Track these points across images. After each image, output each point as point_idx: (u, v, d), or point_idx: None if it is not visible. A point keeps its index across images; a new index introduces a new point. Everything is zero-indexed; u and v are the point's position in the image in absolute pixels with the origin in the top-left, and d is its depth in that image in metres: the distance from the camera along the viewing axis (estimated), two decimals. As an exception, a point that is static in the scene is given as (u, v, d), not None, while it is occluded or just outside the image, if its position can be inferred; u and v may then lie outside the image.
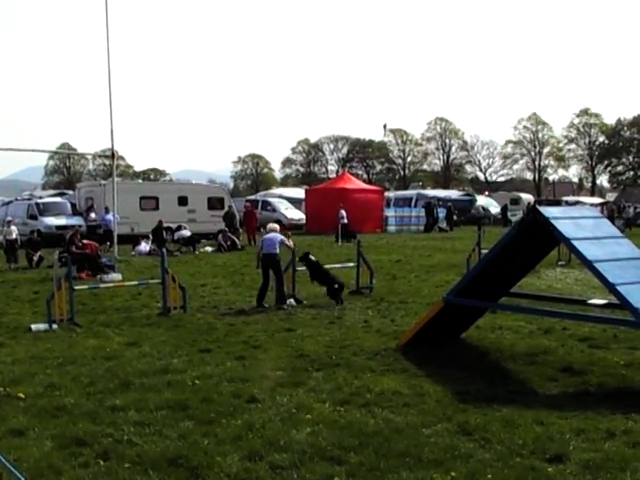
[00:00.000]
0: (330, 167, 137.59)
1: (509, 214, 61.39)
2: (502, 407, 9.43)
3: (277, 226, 19.39)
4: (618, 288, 10.57)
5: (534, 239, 12.21)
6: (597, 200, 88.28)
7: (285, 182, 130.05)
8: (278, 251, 18.12)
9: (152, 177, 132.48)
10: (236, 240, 37.60)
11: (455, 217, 59.67)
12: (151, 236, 36.07)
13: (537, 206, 11.56)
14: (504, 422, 8.83)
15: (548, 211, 11.60)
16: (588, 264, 11.02)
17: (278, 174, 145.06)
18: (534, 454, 7.85)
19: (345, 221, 43.98)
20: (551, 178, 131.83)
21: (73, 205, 43.16)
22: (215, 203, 44.71)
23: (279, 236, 18.44)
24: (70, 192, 56.03)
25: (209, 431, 8.59)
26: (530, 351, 12.81)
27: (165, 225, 37.41)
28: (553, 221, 11.32)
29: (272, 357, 12.41)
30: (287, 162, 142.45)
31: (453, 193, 76.32)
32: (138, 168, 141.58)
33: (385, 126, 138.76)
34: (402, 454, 7.80)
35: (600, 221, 12.48)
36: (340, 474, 7.30)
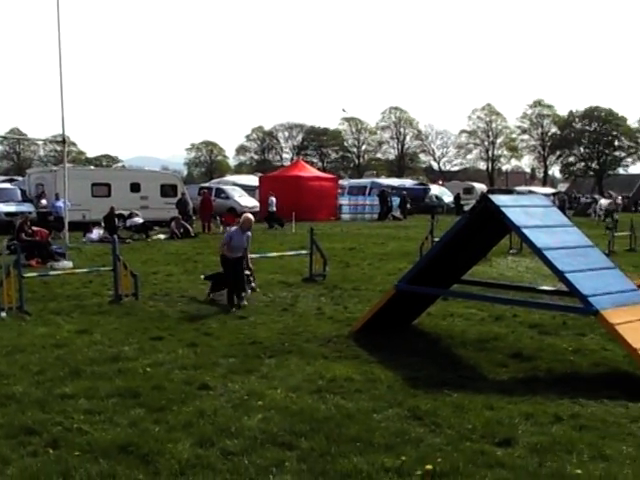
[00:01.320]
0: (285, 155, 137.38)
1: (462, 203, 61.83)
2: (452, 392, 9.52)
3: (252, 218, 17.20)
4: (567, 276, 10.72)
5: (485, 227, 12.32)
6: (549, 190, 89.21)
7: (239, 170, 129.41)
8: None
9: (104, 163, 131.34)
10: (189, 227, 37.44)
11: (409, 206, 59.97)
12: (103, 223, 35.78)
13: (488, 194, 11.63)
14: (454, 407, 8.92)
15: (499, 199, 11.70)
16: (538, 252, 11.15)
17: (232, 161, 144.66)
18: (484, 438, 7.94)
19: (274, 208, 44.23)
20: (504, 168, 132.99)
21: (23, 192, 42.54)
22: (168, 190, 44.37)
23: (249, 236, 16.87)
24: (20, 178, 55.32)
25: (160, 418, 8.56)
26: (481, 337, 12.95)
27: (117, 212, 37.07)
28: (504, 209, 11.43)
29: (224, 344, 12.39)
30: (241, 150, 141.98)
31: (407, 182, 76.79)
32: (90, 154, 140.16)
33: (344, 110, 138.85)
34: (353, 439, 7.84)
35: (550, 210, 12.62)
36: (291, 459, 7.32)
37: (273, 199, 44.42)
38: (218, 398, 9.37)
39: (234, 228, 17.19)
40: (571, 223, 12.83)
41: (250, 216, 17.07)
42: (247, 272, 17.24)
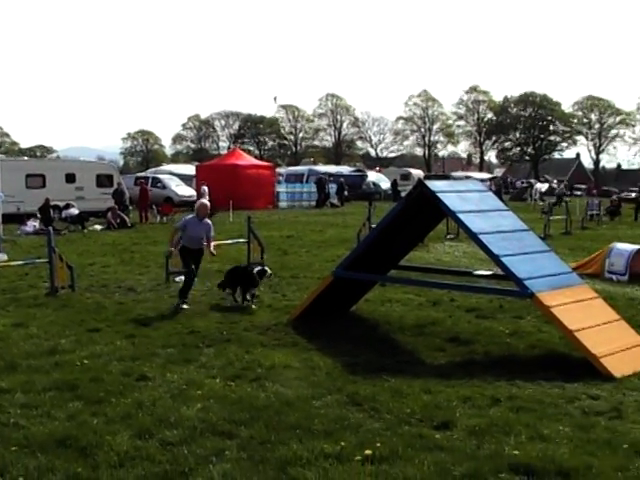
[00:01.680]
0: (222, 143, 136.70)
1: (399, 189, 62.08)
2: (391, 377, 9.59)
3: (208, 204, 15.77)
4: (502, 259, 10.86)
5: (421, 213, 12.41)
6: (485, 175, 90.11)
7: (176, 159, 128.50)
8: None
9: (38, 154, 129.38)
10: (125, 218, 37.07)
11: (346, 193, 60.02)
12: (38, 215, 35.27)
13: (424, 180, 11.71)
14: (393, 392, 8.99)
15: (435, 185, 11.78)
16: (473, 236, 11.27)
17: (169, 150, 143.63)
18: (422, 422, 8.02)
19: (207, 197, 44.17)
20: (441, 154, 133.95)
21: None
22: (104, 180, 43.79)
23: (209, 224, 15.41)
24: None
25: (98, 410, 8.48)
26: (419, 322, 13.06)
27: (52, 203, 36.55)
28: (439, 195, 11.52)
29: (162, 335, 12.31)
30: (178, 138, 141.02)
31: (344, 169, 76.81)
32: (24, 145, 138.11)
33: (275, 98, 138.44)
34: (292, 426, 7.86)
35: (485, 195, 12.75)
36: (231, 448, 7.32)
37: (205, 188, 44.16)
38: (157, 389, 9.32)
39: (190, 216, 15.45)
40: (506, 207, 12.99)
41: (205, 202, 15.77)
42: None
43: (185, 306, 14.61)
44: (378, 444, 7.30)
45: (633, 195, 69.72)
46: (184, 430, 7.79)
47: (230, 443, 7.46)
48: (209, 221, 15.46)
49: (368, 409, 8.44)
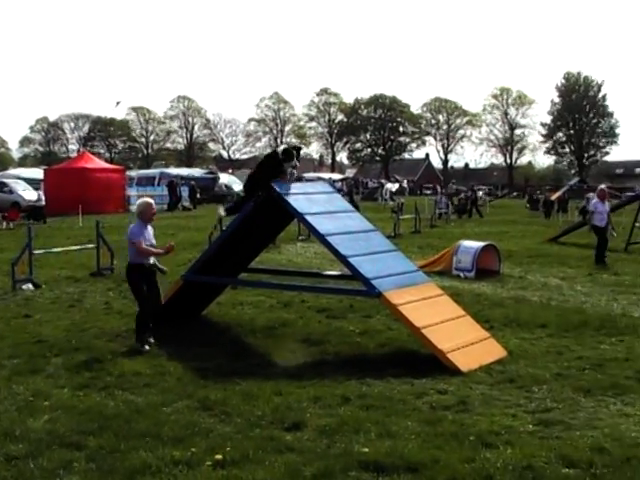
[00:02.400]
0: (71, 146, 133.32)
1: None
2: (242, 381, 9.58)
3: (153, 202, 12.77)
4: (350, 260, 11.01)
5: (270, 215, 12.44)
6: (337, 176, 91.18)
7: (23, 162, 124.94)
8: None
9: None
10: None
11: (198, 195, 59.73)
12: None
13: (271, 183, 11.73)
14: (244, 395, 8.99)
15: (281, 187, 11.83)
16: (321, 238, 11.39)
17: (16, 154, 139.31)
18: (273, 424, 8.05)
19: (42, 202, 43.54)
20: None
21: None
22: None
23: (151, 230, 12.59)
24: None
25: (-62, 426, 8.17)
26: (270, 324, 13.11)
27: None
28: (286, 197, 11.59)
29: (8, 345, 11.92)
30: (25, 141, 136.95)
31: (196, 171, 76.46)
32: None
33: (118, 103, 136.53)
34: (142, 434, 7.75)
35: (333, 196, 12.91)
36: (79, 459, 7.16)
37: (40, 193, 43.26)
38: (2, 402, 9.03)
39: (132, 225, 12.44)
40: (353, 208, 13.19)
41: (150, 200, 12.79)
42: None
43: (147, 347, 11.60)
44: (229, 448, 7.28)
45: (480, 193, 72.02)
46: (30, 443, 7.57)
47: (78, 454, 7.29)
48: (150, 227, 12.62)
49: (219, 413, 8.42)
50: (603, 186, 25.97)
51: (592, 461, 6.98)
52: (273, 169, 12.02)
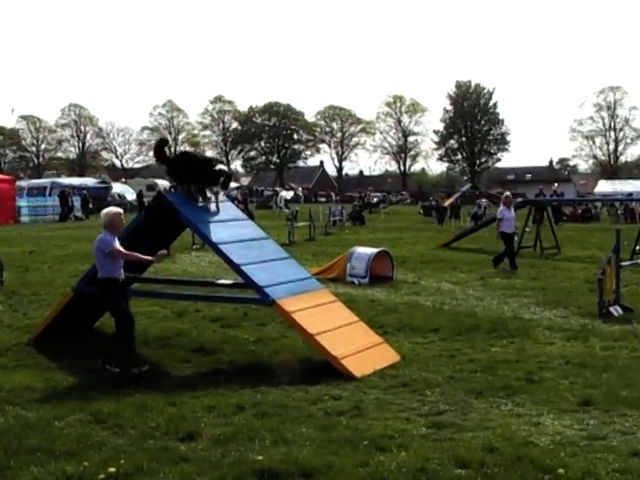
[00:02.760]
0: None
1: (144, 200, 61.51)
2: (135, 392, 9.48)
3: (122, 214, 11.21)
4: (243, 268, 11.03)
5: (163, 223, 12.34)
6: (232, 184, 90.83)
7: None
8: None
9: None
10: None
11: (91, 205, 58.75)
12: None
13: (163, 192, 11.69)
14: (137, 407, 8.90)
15: (173, 196, 11.78)
16: (213, 246, 11.40)
17: None
18: (167, 435, 8.00)
19: None
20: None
21: None
22: None
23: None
24: None
25: None
26: (163, 335, 13.02)
27: None
28: (178, 206, 11.53)
29: None
30: None
31: (89, 181, 75.25)
32: None
33: (13, 110, 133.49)
34: (33, 449, 7.60)
35: (226, 205, 12.87)
36: (-34, 479, 7.00)
37: None
38: None
39: (100, 235, 10.94)
40: (246, 217, 13.20)
41: (119, 210, 11.32)
42: None
43: (136, 370, 10.58)
44: (122, 461, 7.19)
45: (374, 200, 73.03)
46: None
47: (-34, 474, 7.13)
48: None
49: (112, 426, 8.31)
50: (508, 193, 26.53)
51: (484, 461, 7.11)
52: (205, 177, 11.92)
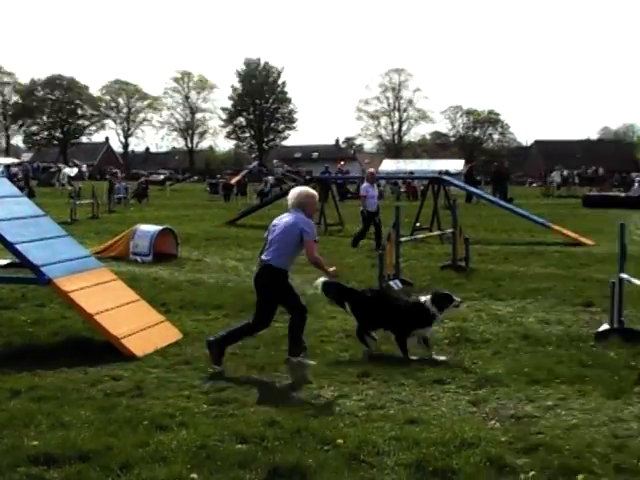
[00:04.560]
0: None
1: None
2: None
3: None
4: (17, 247, 10.60)
5: None
6: (12, 160, 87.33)
7: None
8: None
9: None
10: None
11: None
12: None
13: None
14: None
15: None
16: (-15, 225, 10.88)
17: None
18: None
19: None
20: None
21: None
22: None
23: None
24: None
25: None
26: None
27: None
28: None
29: None
30: None
31: None
32: None
33: None
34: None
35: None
36: None
37: None
38: None
39: (305, 218, 9.82)
40: (21, 193, 12.71)
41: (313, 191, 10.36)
42: None
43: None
44: None
45: (161, 177, 72.42)
46: None
47: None
48: None
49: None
50: (372, 169, 26.81)
51: (264, 435, 7.16)
52: None
